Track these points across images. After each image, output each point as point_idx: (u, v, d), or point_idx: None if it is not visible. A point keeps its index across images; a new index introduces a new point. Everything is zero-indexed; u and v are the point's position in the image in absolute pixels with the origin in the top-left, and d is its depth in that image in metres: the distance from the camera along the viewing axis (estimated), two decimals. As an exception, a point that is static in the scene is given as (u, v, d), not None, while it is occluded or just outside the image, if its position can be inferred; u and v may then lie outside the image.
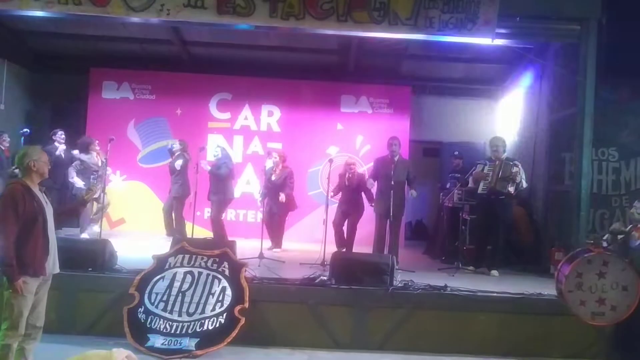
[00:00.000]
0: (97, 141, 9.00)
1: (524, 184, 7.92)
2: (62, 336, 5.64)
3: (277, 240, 9.10)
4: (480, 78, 10.97)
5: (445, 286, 6.42)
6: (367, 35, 7.87)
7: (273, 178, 8.92)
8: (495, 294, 6.34)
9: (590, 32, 7.41)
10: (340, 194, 8.69)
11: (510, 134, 10.52)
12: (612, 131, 8.15)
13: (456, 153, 9.71)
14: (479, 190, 7.92)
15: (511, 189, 7.73)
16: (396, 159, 8.09)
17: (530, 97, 9.76)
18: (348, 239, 8.60)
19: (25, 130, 8.57)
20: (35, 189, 4.20)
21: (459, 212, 8.63)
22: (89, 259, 6.27)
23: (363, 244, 8.46)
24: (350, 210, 8.60)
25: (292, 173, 9.14)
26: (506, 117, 11.02)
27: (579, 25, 7.55)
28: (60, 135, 9.19)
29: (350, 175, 8.55)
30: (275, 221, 9.09)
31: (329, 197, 8.39)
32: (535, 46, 8.78)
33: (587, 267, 5.14)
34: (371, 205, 8.46)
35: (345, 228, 8.70)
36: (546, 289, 6.50)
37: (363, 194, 8.62)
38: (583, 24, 7.50)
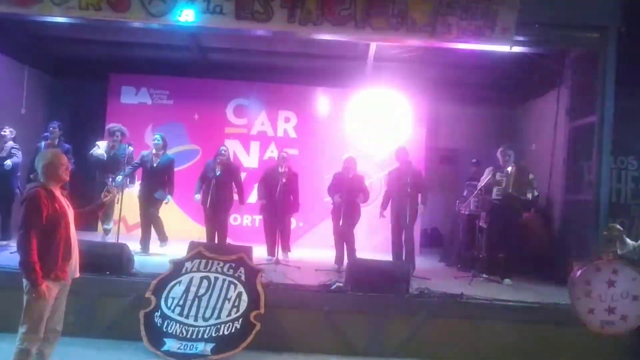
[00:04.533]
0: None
1: (536, 193, 7.88)
2: (80, 339, 5.68)
3: (286, 244, 8.68)
4: (498, 85, 10.90)
5: (462, 294, 6.39)
6: (384, 41, 7.88)
7: (284, 180, 8.34)
8: (512, 303, 6.30)
9: (609, 40, 7.38)
10: (335, 196, 8.15)
11: (527, 142, 10.45)
12: (631, 140, 8.05)
13: (474, 160, 9.67)
14: (493, 196, 7.88)
15: (529, 195, 7.69)
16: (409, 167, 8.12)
17: (549, 105, 9.69)
18: (349, 250, 8.07)
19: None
20: (57, 193, 4.21)
21: (476, 219, 8.58)
22: (106, 263, 6.33)
23: (381, 251, 8.41)
24: (347, 216, 8.04)
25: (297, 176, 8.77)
26: (524, 125, 10.95)
27: (598, 33, 7.53)
28: (50, 127, 8.58)
29: (350, 176, 8.17)
30: (283, 224, 8.62)
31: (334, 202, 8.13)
32: (553, 54, 8.73)
33: (596, 275, 5.07)
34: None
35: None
36: (563, 298, 6.44)
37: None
38: (602, 32, 7.47)
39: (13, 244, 7.41)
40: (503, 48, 7.61)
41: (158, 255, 8.11)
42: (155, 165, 8.47)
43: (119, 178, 8.13)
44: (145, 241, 8.47)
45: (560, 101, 9.23)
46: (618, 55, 7.36)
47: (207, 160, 8.65)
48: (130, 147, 8.46)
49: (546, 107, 9.84)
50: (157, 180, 8.45)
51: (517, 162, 8.15)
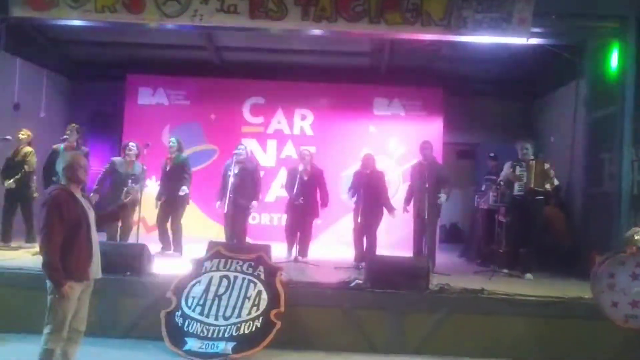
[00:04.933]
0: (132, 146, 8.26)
1: (556, 182, 7.79)
2: (102, 339, 5.72)
3: (303, 249, 8.39)
4: (515, 78, 10.81)
5: (482, 290, 6.34)
6: (399, 36, 7.84)
7: (306, 178, 8.31)
8: (533, 298, 6.23)
9: (629, 29, 7.30)
10: (355, 195, 8.13)
11: (546, 134, 10.35)
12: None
13: (491, 155, 9.59)
14: (515, 192, 7.81)
15: (548, 186, 7.61)
16: (428, 162, 8.03)
17: (567, 96, 9.58)
18: (369, 248, 7.97)
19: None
20: (78, 195, 4.24)
21: (495, 214, 8.52)
22: (127, 264, 6.35)
23: (401, 248, 8.37)
24: (368, 213, 7.98)
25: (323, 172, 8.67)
26: (542, 118, 10.85)
27: (617, 23, 7.42)
28: (68, 129, 8.40)
29: (368, 172, 8.08)
30: (304, 227, 8.44)
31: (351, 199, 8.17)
32: (571, 45, 8.63)
33: (620, 268, 5.01)
34: (390, 213, 8.03)
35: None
36: (586, 292, 6.37)
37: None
38: (621, 21, 7.38)
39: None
40: (520, 40, 7.54)
41: (177, 256, 8.15)
42: (168, 168, 8.44)
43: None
44: (164, 242, 8.45)
45: (579, 93, 9.12)
46: (638, 44, 7.25)
47: (226, 162, 8.63)
48: (144, 167, 8.28)
49: (565, 99, 9.74)
50: (174, 182, 8.37)
51: (536, 154, 8.05)
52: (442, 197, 7.99)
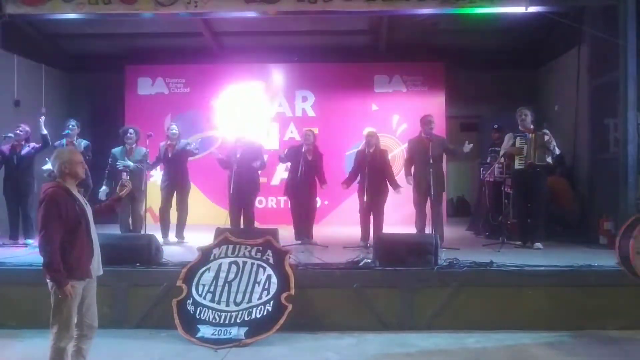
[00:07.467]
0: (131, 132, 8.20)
1: (557, 151, 7.70)
2: (116, 330, 5.78)
3: (308, 230, 8.35)
4: (516, 48, 10.71)
5: (491, 262, 6.33)
6: (396, 13, 7.75)
7: (310, 158, 8.18)
8: (543, 268, 6.22)
9: (629, -8, 7.16)
10: (358, 178, 8.01)
11: (550, 103, 10.27)
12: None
13: (495, 126, 9.51)
14: (516, 166, 7.73)
15: (549, 160, 7.54)
16: (431, 136, 7.89)
17: (569, 63, 9.49)
18: (377, 226, 7.88)
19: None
20: (75, 191, 4.18)
21: (501, 186, 8.47)
22: (136, 255, 6.37)
23: (408, 224, 8.34)
24: (373, 192, 7.81)
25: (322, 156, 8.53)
26: (545, 87, 10.76)
27: (617, -14, 7.31)
28: (69, 125, 8.37)
29: (372, 151, 7.92)
30: (310, 207, 8.41)
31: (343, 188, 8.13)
32: (571, 11, 8.52)
33: None
34: (395, 190, 7.92)
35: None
36: (596, 260, 6.37)
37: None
38: (621, -16, 7.25)
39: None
40: (519, 9, 7.44)
41: (184, 244, 8.16)
42: (170, 155, 8.33)
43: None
44: (165, 231, 8.39)
45: (581, 59, 9.04)
46: (638, 8, 7.14)
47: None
48: (146, 150, 8.23)
49: (567, 67, 9.65)
50: (178, 168, 8.36)
51: (540, 122, 7.94)
52: (467, 146, 7.76)
